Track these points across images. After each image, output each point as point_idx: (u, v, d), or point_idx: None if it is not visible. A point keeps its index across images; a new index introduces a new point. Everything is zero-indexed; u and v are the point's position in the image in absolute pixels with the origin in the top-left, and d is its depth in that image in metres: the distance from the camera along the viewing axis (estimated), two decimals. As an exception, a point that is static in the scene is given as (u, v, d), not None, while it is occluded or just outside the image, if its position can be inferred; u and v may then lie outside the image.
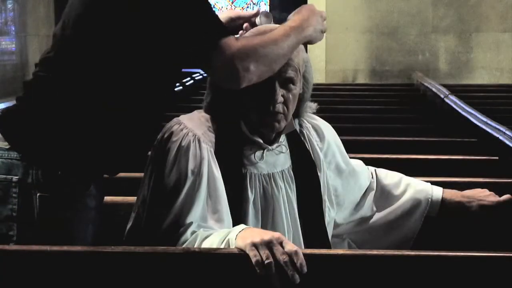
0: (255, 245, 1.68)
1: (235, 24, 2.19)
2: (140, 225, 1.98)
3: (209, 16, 1.89)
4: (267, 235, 1.70)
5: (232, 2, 13.66)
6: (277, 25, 2.02)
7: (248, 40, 1.90)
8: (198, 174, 1.93)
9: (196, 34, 1.85)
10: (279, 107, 2.00)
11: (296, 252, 1.66)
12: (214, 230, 1.86)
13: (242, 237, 1.73)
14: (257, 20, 2.16)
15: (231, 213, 1.95)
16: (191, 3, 1.86)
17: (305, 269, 1.66)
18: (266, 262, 1.65)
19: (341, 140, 2.27)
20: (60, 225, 1.90)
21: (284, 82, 2.00)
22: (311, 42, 2.01)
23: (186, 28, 1.85)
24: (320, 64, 8.67)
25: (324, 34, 2.04)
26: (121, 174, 2.25)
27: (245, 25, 2.18)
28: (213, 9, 1.93)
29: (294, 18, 1.99)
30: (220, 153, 1.99)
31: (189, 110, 2.13)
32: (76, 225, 1.93)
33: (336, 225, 2.23)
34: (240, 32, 2.18)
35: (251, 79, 1.88)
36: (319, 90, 6.59)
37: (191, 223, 1.87)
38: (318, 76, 8.42)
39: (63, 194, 1.91)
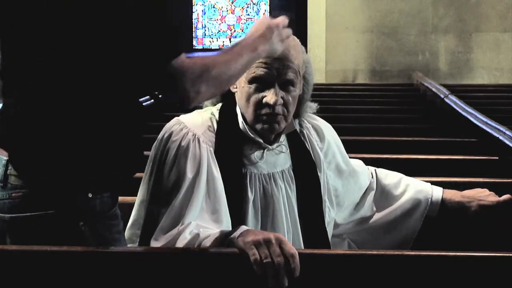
0: (255, 244, 1.68)
1: None
2: (139, 226, 1.98)
3: (162, 34, 1.81)
4: (268, 235, 1.70)
5: (232, 2, 13.67)
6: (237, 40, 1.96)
7: (200, 60, 1.82)
8: (197, 174, 1.93)
9: (147, 54, 1.78)
10: (279, 109, 2.00)
11: (292, 255, 1.65)
12: (213, 230, 1.85)
13: (242, 237, 1.73)
14: None
15: (231, 213, 1.95)
16: (143, 21, 1.78)
17: (297, 273, 1.65)
18: (264, 261, 1.65)
19: (341, 140, 2.27)
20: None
21: (284, 84, 2.00)
22: (269, 55, 1.96)
23: (137, 47, 1.78)
24: (320, 64, 8.67)
25: (283, 42, 1.97)
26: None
27: None
28: (169, 24, 1.85)
29: (247, 36, 1.95)
30: (220, 153, 1.99)
31: (189, 109, 2.13)
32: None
33: (336, 225, 2.23)
34: None
35: (201, 100, 1.87)
36: (319, 90, 6.59)
37: (189, 223, 1.87)
38: (318, 76, 8.41)
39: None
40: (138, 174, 1.94)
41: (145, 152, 1.97)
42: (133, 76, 1.83)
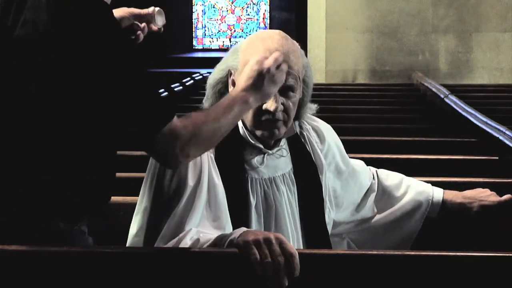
0: (255, 244, 1.68)
1: (130, 23, 2.12)
2: (142, 233, 1.98)
3: (152, 99, 1.80)
4: (268, 235, 1.70)
5: (232, 2, 13.66)
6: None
7: (191, 122, 1.80)
8: (198, 182, 1.93)
9: (138, 119, 1.77)
10: (279, 115, 2.00)
11: (292, 255, 1.66)
12: (213, 235, 1.85)
13: (243, 237, 1.73)
14: (153, 20, 2.12)
15: (234, 219, 1.95)
16: (134, 86, 1.76)
17: (297, 273, 1.66)
18: (264, 261, 1.65)
19: (341, 140, 2.27)
20: None
21: (284, 90, 1.99)
22: (262, 102, 1.94)
23: (128, 112, 1.77)
24: (320, 64, 8.67)
25: (282, 80, 1.92)
26: (121, 174, 2.25)
27: (142, 25, 2.12)
28: (156, 90, 1.85)
29: (238, 84, 1.91)
30: (220, 159, 1.99)
31: (189, 110, 2.13)
32: None
33: (336, 225, 2.23)
34: (138, 33, 2.12)
35: (188, 161, 1.87)
36: (319, 90, 6.59)
37: (190, 230, 1.87)
38: (318, 76, 8.42)
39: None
40: (138, 174, 1.94)
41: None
42: (119, 141, 1.84)
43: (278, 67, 1.89)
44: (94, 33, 1.74)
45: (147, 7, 2.21)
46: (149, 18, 2.12)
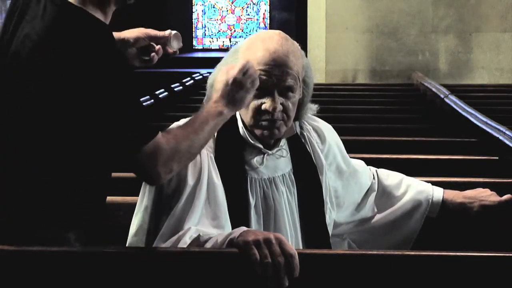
0: (255, 244, 1.68)
1: (145, 44, 2.14)
2: (142, 232, 1.98)
3: (136, 117, 1.81)
4: (268, 235, 1.70)
5: (232, 2, 13.66)
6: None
7: (173, 137, 1.84)
8: (197, 181, 1.93)
9: (121, 137, 1.79)
10: (278, 115, 2.00)
11: (291, 255, 1.66)
12: (213, 234, 1.85)
13: (243, 237, 1.73)
14: (169, 43, 2.13)
15: (233, 219, 1.95)
16: (117, 104, 1.78)
17: (297, 273, 1.66)
18: (264, 261, 1.65)
19: (341, 140, 2.27)
20: None
21: (283, 91, 1.99)
22: (238, 109, 1.96)
23: (111, 130, 1.79)
24: (320, 64, 8.67)
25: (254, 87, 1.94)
26: (122, 174, 2.25)
27: (157, 47, 2.14)
28: (140, 107, 1.86)
29: (211, 98, 1.94)
30: (220, 159, 2.00)
31: (189, 110, 2.13)
32: None
33: (336, 225, 2.23)
34: (152, 54, 2.14)
35: (169, 177, 1.88)
36: (319, 90, 6.59)
37: (189, 228, 1.87)
38: (318, 76, 8.41)
39: None
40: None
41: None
42: (103, 161, 1.85)
43: (245, 73, 1.92)
44: (85, 49, 1.76)
45: (148, 10, 2.21)
46: (164, 41, 2.13)
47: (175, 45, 2.14)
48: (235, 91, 1.92)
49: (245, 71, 1.92)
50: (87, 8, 1.82)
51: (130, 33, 2.12)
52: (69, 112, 1.77)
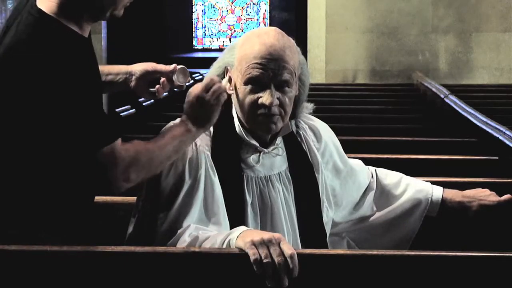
0: (254, 244, 1.68)
1: (152, 77, 2.17)
2: (140, 231, 1.98)
3: (95, 120, 1.83)
4: (267, 235, 1.70)
5: (232, 2, 13.66)
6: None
7: (133, 147, 1.87)
8: (195, 178, 1.94)
9: (79, 139, 1.82)
10: (275, 109, 2.00)
11: (291, 255, 1.66)
12: (212, 232, 1.86)
13: (242, 237, 1.73)
14: (174, 77, 2.14)
15: (230, 217, 1.96)
16: (75, 107, 1.80)
17: (296, 273, 1.66)
18: (264, 261, 1.65)
19: (341, 140, 2.27)
20: None
21: (279, 85, 1.99)
22: (208, 126, 1.99)
23: (72, 133, 1.81)
24: (320, 64, 8.67)
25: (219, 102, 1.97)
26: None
27: (162, 79, 2.15)
28: (100, 109, 1.87)
29: (180, 118, 1.97)
30: (217, 157, 2.00)
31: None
32: None
33: (335, 224, 2.23)
34: (157, 86, 2.15)
35: (129, 187, 1.89)
36: (319, 90, 6.60)
37: (188, 226, 1.87)
38: (318, 76, 8.42)
39: None
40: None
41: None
42: (64, 161, 1.86)
43: (208, 90, 1.95)
44: (52, 57, 1.79)
45: (148, 10, 2.23)
46: (170, 74, 2.14)
47: (181, 79, 2.16)
48: (200, 110, 1.95)
49: (208, 88, 1.95)
50: (61, 20, 1.85)
51: (138, 66, 2.17)
52: (34, 115, 1.81)
